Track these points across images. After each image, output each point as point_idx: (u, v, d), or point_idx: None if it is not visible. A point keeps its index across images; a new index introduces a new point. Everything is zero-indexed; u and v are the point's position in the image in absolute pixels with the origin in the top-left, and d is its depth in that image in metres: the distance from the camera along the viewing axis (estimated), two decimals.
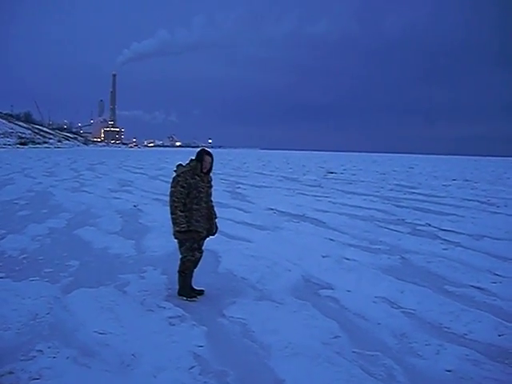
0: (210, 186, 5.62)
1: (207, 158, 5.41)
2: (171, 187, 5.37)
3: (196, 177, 5.35)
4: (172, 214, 5.31)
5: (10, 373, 3.48)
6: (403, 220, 11.94)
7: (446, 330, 4.85)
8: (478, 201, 16.87)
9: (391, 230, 10.44)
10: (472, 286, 6.30)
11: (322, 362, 3.91)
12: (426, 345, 4.38)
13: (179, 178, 5.33)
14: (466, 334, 4.72)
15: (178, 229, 5.27)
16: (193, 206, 5.33)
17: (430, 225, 11.20)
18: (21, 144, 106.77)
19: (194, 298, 5.51)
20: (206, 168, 5.42)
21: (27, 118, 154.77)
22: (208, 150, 5.52)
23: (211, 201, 5.69)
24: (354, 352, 4.19)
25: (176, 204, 5.27)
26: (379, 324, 4.90)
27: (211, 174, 5.64)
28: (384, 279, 6.37)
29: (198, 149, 5.64)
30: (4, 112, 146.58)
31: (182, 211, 5.27)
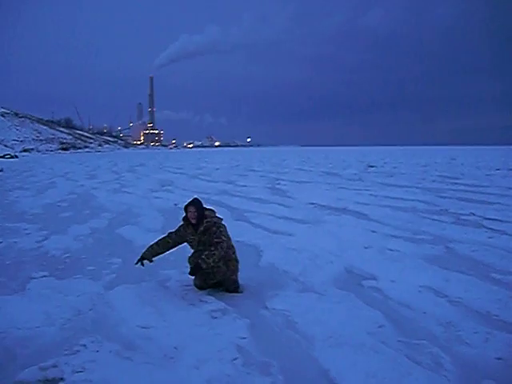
0: (202, 239, 5.49)
1: (190, 208, 5.45)
2: None
3: (187, 229, 5.57)
4: None
5: (54, 366, 3.57)
6: (446, 210, 11.65)
7: (494, 317, 4.71)
8: None
9: (434, 220, 10.22)
10: None
11: (366, 351, 3.87)
12: (474, 333, 4.26)
13: (179, 227, 5.68)
14: None
15: None
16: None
17: (474, 214, 10.89)
18: (62, 149, 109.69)
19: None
20: (191, 219, 5.46)
21: (68, 124, 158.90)
22: (194, 200, 5.50)
23: (217, 247, 5.32)
24: (399, 341, 4.12)
25: (164, 235, 5.80)
26: (425, 313, 4.80)
27: (211, 224, 5.45)
28: (428, 269, 6.25)
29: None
30: (46, 119, 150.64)
31: (156, 243, 5.73)
